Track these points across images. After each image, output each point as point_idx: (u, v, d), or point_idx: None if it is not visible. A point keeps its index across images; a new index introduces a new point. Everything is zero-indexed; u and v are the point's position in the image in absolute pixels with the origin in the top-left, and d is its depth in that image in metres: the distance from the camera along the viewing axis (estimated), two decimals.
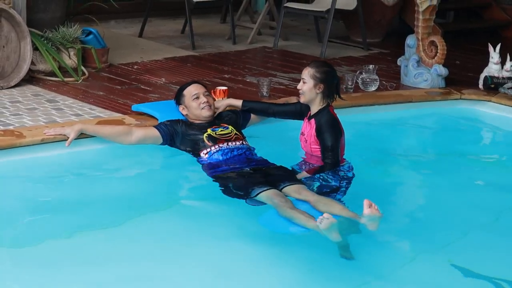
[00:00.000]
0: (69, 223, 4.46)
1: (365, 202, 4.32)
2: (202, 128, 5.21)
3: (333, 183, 4.82)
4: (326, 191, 4.73)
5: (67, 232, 4.35)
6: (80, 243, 4.26)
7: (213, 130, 5.18)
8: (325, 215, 4.19)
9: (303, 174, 4.89)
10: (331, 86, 5.03)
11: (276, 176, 4.80)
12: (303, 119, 5.23)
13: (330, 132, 4.96)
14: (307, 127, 5.11)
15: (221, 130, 5.20)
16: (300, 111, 5.26)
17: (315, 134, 5.01)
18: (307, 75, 5.02)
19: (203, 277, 4.01)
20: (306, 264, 4.14)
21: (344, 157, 5.06)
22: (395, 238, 4.48)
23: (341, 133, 5.01)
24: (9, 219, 4.52)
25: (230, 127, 5.26)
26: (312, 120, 5.06)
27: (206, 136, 5.14)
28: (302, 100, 5.10)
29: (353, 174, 4.95)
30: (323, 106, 5.04)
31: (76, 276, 3.93)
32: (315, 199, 4.55)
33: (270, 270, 4.11)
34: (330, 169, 4.87)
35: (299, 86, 5.07)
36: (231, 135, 5.19)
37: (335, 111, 5.09)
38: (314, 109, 5.07)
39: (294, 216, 4.36)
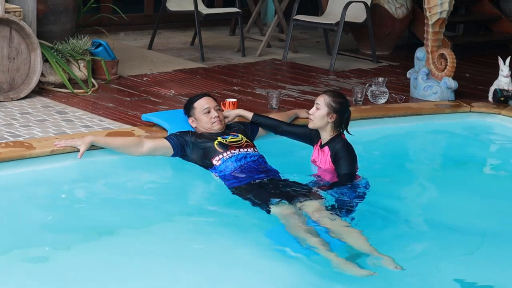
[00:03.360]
0: (78, 235, 4.46)
1: (391, 264, 4.12)
2: (212, 137, 5.21)
3: (347, 199, 4.82)
4: (340, 208, 4.72)
5: (76, 244, 4.35)
6: (88, 255, 4.25)
7: (223, 138, 5.18)
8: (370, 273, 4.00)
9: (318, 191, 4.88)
10: (342, 118, 5.06)
11: (295, 191, 4.75)
12: (311, 144, 5.25)
13: (347, 159, 5.00)
14: (320, 155, 5.13)
15: (231, 138, 5.20)
16: (309, 136, 5.25)
17: (330, 160, 5.04)
18: (323, 102, 5.03)
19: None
20: (308, 277, 4.11)
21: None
22: (404, 251, 4.46)
23: (357, 160, 5.03)
24: (18, 229, 4.51)
25: (240, 135, 5.26)
26: (326, 148, 5.08)
27: (216, 143, 5.14)
28: (310, 125, 5.10)
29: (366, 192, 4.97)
30: (335, 134, 5.05)
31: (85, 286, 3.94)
32: (333, 224, 4.46)
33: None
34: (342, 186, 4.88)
35: (312, 111, 5.07)
36: (241, 142, 5.19)
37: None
38: (326, 137, 5.09)
39: (307, 239, 4.28)
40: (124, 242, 4.42)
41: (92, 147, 5.19)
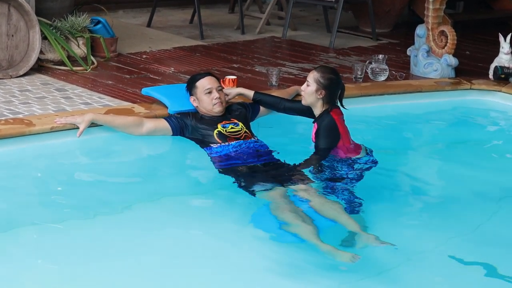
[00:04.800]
0: (76, 211, 4.47)
1: (377, 241, 4.13)
2: (212, 123, 5.20)
3: (345, 173, 4.83)
4: (336, 179, 4.75)
5: (74, 220, 4.36)
6: (86, 230, 4.28)
7: (223, 127, 5.17)
8: (355, 257, 3.98)
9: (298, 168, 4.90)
10: (332, 93, 5.04)
11: (284, 174, 4.78)
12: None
13: (326, 136, 4.99)
14: (313, 130, 5.13)
15: (232, 128, 5.18)
16: (311, 110, 5.23)
17: (314, 137, 5.05)
18: (312, 78, 5.03)
19: (191, 267, 3.99)
20: (299, 259, 4.09)
21: (365, 148, 5.13)
22: (401, 228, 4.46)
23: (338, 138, 5.01)
24: (18, 206, 4.52)
25: (241, 124, 5.24)
26: (315, 124, 5.09)
27: (216, 133, 5.13)
28: (303, 102, 5.12)
29: (369, 168, 4.96)
30: (323, 110, 5.04)
31: (79, 264, 3.95)
32: (320, 202, 4.50)
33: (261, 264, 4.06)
34: (315, 164, 4.89)
35: (303, 87, 5.09)
36: (241, 133, 5.18)
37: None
38: (317, 112, 5.10)
39: (293, 224, 4.29)
40: (121, 218, 4.44)
41: (92, 124, 5.18)
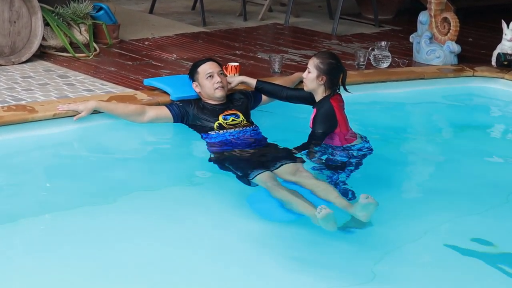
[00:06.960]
0: (78, 198, 4.49)
1: (362, 195, 4.21)
2: (214, 113, 5.21)
3: (340, 159, 4.84)
4: (331, 165, 4.76)
5: (75, 207, 4.38)
6: (86, 219, 4.29)
7: (224, 119, 5.18)
8: (322, 206, 4.11)
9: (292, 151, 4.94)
10: (333, 78, 5.06)
11: (273, 156, 4.82)
12: None
13: (322, 122, 5.01)
14: (312, 115, 5.14)
15: (233, 120, 5.19)
16: (313, 97, 5.24)
17: (312, 122, 5.07)
18: (312, 64, 5.06)
19: (190, 255, 4.02)
20: (298, 246, 4.12)
21: (360, 136, 5.10)
22: (404, 214, 4.47)
23: (335, 125, 5.02)
24: (20, 192, 4.54)
25: (241, 116, 5.25)
26: (315, 109, 5.10)
27: (216, 125, 5.15)
28: (305, 88, 5.15)
29: (365, 155, 4.96)
30: (324, 96, 5.04)
31: (79, 252, 3.97)
32: (310, 183, 4.53)
33: (262, 251, 4.08)
34: (309, 148, 4.94)
35: (304, 74, 5.12)
36: (240, 124, 5.20)
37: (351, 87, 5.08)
38: (318, 98, 5.12)
39: (289, 200, 4.35)
40: (124, 204, 4.48)
41: (94, 111, 5.19)
